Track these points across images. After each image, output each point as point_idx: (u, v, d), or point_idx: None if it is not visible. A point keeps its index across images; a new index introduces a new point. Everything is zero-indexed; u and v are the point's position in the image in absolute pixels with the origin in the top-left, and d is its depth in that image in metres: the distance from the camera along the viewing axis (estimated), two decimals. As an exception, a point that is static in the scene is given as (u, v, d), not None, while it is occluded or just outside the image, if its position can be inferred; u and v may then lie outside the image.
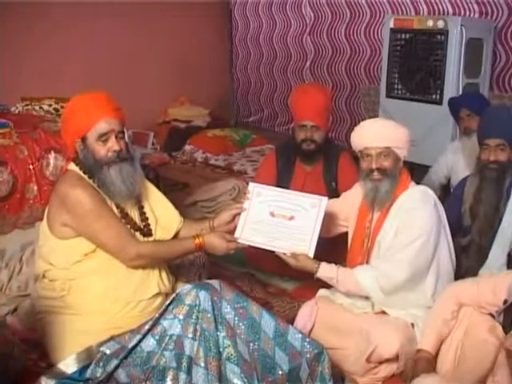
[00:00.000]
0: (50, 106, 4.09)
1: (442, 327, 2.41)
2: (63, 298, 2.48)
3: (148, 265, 2.53)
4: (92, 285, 2.47)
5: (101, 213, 2.43)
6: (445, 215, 2.69)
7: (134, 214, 2.62)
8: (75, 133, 2.47)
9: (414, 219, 2.56)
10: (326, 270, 2.60)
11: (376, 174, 2.64)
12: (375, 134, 2.65)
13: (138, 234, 2.57)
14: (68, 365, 2.25)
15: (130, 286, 2.51)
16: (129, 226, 2.54)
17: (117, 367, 2.19)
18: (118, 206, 2.54)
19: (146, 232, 2.59)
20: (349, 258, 2.82)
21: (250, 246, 2.65)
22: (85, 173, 2.49)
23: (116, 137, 2.46)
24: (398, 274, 2.53)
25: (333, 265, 2.64)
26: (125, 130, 2.59)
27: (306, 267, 2.60)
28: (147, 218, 2.64)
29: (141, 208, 2.65)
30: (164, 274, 2.63)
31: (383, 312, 2.63)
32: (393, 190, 2.65)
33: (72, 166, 2.52)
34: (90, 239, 2.44)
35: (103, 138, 2.44)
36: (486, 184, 2.91)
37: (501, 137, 2.83)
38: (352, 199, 2.85)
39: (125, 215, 2.55)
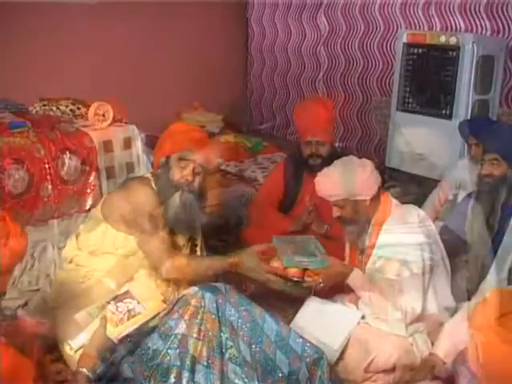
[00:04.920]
0: (67, 107, 4.16)
1: None
2: (81, 285, 2.58)
3: (183, 278, 2.63)
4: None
5: (144, 224, 2.58)
6: (435, 230, 2.71)
7: (185, 247, 2.79)
8: (165, 150, 2.68)
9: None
10: (358, 278, 2.61)
11: (339, 222, 2.75)
12: (325, 191, 2.71)
13: None
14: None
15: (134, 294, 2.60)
16: None
17: (122, 362, 2.26)
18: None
19: None
20: None
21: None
22: (155, 186, 2.68)
23: (194, 169, 2.62)
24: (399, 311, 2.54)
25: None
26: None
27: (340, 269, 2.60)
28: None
29: (194, 246, 2.83)
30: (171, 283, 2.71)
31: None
32: (364, 227, 2.69)
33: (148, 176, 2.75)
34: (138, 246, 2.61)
35: (182, 163, 2.61)
36: (479, 197, 2.95)
37: (494, 151, 2.87)
38: None
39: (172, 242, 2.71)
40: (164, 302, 2.33)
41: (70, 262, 2.69)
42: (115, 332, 2.23)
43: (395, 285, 2.55)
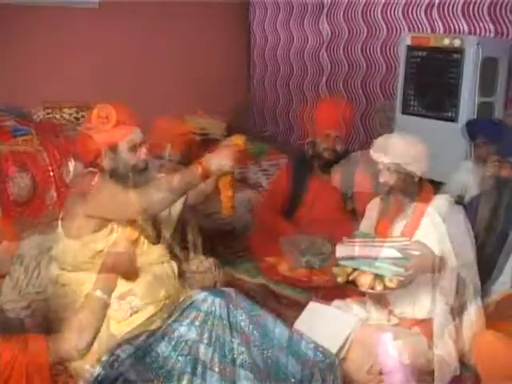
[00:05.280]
0: (71, 115, 4.15)
1: None
2: (81, 287, 2.51)
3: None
4: None
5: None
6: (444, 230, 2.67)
7: None
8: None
9: None
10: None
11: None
12: (383, 151, 2.70)
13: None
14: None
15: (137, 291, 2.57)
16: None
17: (129, 367, 2.22)
18: None
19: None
20: None
21: None
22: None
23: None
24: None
25: None
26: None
27: None
28: None
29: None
30: (172, 281, 2.67)
31: (397, 325, 2.66)
32: (402, 205, 2.66)
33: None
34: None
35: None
36: (483, 197, 2.95)
37: (498, 153, 2.88)
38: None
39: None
40: (167, 298, 2.31)
41: (57, 282, 2.64)
42: (119, 329, 2.21)
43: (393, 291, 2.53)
